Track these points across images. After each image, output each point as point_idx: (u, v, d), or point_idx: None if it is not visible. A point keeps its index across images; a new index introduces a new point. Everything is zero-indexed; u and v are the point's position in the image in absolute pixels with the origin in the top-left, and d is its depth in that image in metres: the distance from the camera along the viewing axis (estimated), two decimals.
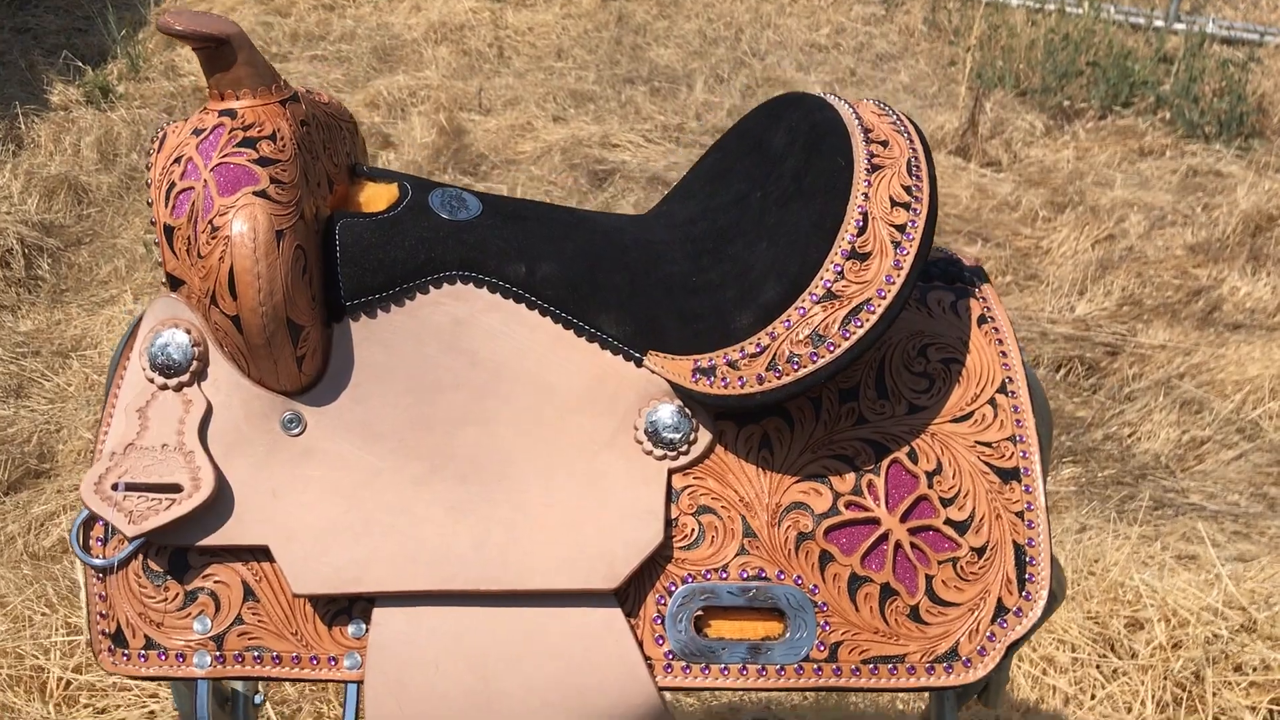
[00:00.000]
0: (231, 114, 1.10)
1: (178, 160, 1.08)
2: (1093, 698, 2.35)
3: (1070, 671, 2.36)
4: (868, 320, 1.04)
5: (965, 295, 1.22)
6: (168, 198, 1.07)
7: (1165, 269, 4.41)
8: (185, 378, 1.10)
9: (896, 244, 1.07)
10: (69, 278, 4.37)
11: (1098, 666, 2.36)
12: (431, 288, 1.14)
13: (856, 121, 1.17)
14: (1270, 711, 2.21)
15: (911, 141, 1.16)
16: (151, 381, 1.10)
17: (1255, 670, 2.26)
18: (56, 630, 2.38)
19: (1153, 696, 2.28)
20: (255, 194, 1.04)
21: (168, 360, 1.09)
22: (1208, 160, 5.74)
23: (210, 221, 1.04)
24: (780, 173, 1.19)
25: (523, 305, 1.15)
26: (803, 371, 1.04)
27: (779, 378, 1.04)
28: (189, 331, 1.10)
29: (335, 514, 1.08)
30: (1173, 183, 5.46)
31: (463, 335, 1.13)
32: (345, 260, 1.12)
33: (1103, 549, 2.62)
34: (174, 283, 1.09)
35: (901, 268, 1.06)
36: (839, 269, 1.05)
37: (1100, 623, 2.44)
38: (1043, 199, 5.13)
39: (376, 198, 1.20)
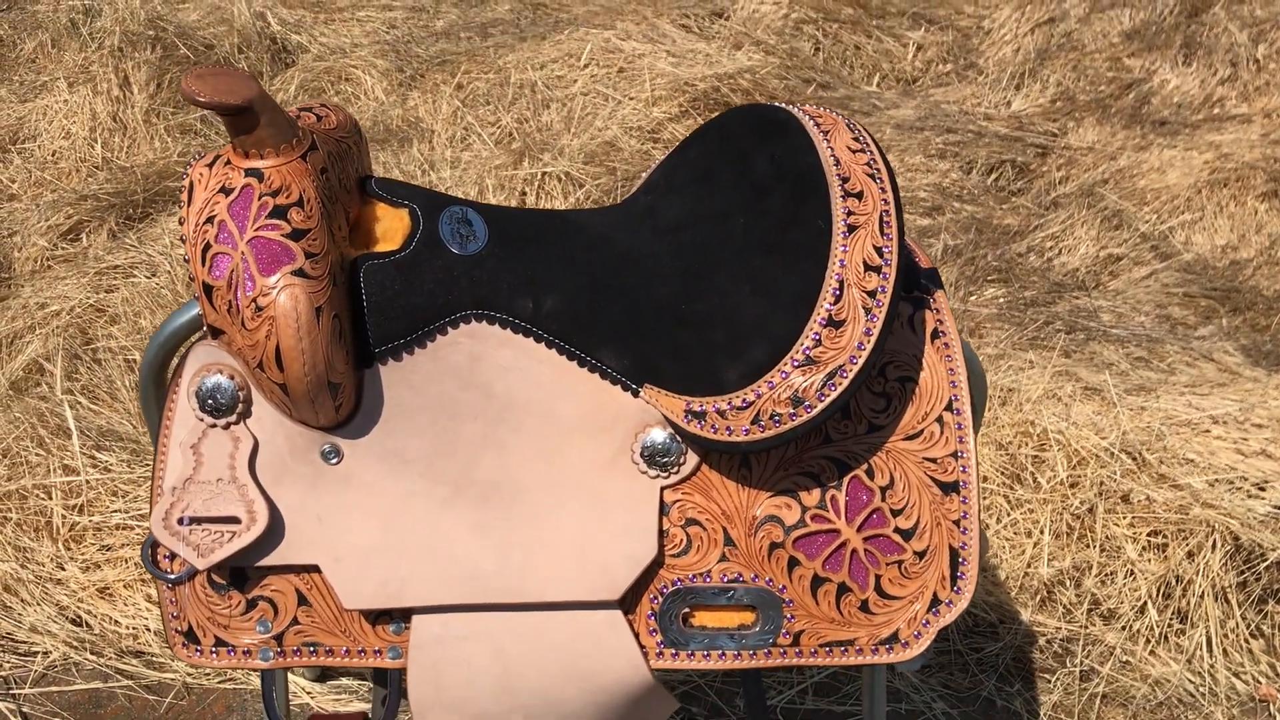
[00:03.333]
0: (258, 175, 1.18)
1: (210, 221, 1.17)
2: (998, 521, 2.67)
3: (982, 498, 2.67)
4: (840, 384, 1.20)
5: (921, 306, 1.37)
6: (204, 257, 1.17)
7: (1100, 59, 4.49)
8: (232, 418, 1.23)
9: (868, 310, 1.21)
10: None
11: (1005, 496, 2.67)
12: (450, 328, 1.26)
13: (834, 166, 1.27)
14: (1148, 542, 2.54)
15: (884, 188, 1.27)
16: (201, 420, 1.23)
17: (1139, 504, 2.57)
18: (54, 471, 2.55)
19: (1050, 525, 2.60)
20: (294, 273, 1.14)
21: (216, 403, 1.22)
22: None
23: (254, 300, 1.14)
24: (764, 209, 1.30)
25: (531, 339, 1.28)
26: (783, 428, 1.20)
27: (762, 431, 1.21)
28: (232, 378, 1.22)
29: (375, 535, 1.24)
30: None
31: (478, 371, 1.27)
32: (372, 309, 1.23)
33: (1019, 381, 2.88)
34: (214, 332, 1.20)
35: (871, 334, 1.20)
36: (817, 336, 1.20)
37: (1009, 454, 2.73)
38: None
39: (391, 231, 1.29)
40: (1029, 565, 2.58)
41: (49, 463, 2.56)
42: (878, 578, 1.31)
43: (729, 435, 1.22)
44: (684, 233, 1.37)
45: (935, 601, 1.32)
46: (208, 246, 1.17)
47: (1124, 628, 2.48)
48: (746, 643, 1.30)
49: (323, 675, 2.34)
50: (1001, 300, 3.29)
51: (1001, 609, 2.55)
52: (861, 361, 1.20)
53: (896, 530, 1.31)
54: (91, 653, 2.36)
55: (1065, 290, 3.38)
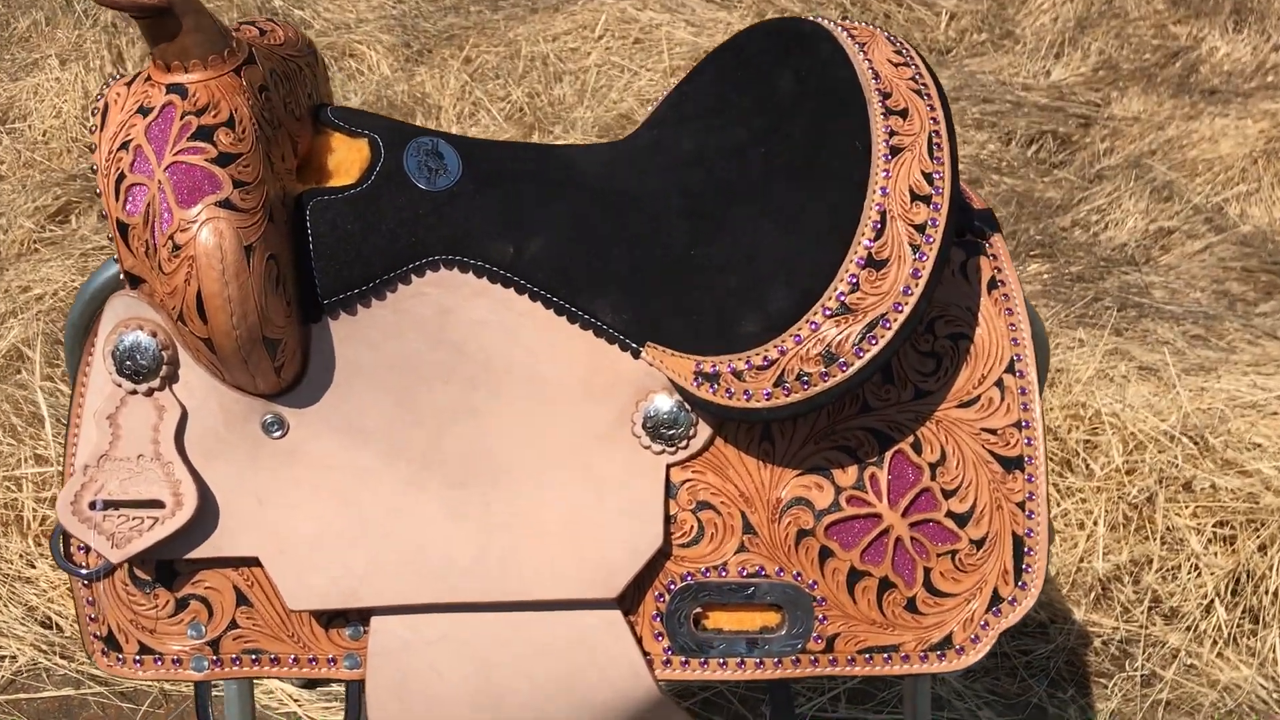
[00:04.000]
0: (181, 91, 0.98)
1: (125, 146, 0.97)
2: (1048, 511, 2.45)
3: None
4: (883, 337, 0.99)
5: (976, 253, 1.16)
6: (118, 190, 0.97)
7: (1145, 26, 4.25)
8: (156, 382, 1.03)
9: (915, 248, 1.00)
10: None
11: (1055, 484, 2.45)
12: (414, 276, 1.06)
13: (873, 80, 1.07)
14: (1214, 533, 2.32)
15: (932, 106, 1.06)
16: (120, 386, 1.03)
17: (1203, 493, 2.35)
18: (25, 462, 2.37)
19: (1105, 516, 2.38)
20: (218, 204, 0.94)
21: (135, 365, 1.02)
22: None
23: (171, 237, 0.94)
24: (787, 132, 1.10)
25: (511, 290, 1.08)
26: (813, 390, 1.00)
27: (787, 395, 1.00)
28: (154, 334, 1.02)
29: (326, 517, 1.05)
30: None
31: (449, 325, 1.07)
32: (320, 253, 1.03)
33: (1067, 361, 2.66)
34: (133, 280, 1.01)
35: (920, 276, 1.00)
36: (854, 279, 0.99)
37: (1059, 439, 2.51)
38: None
39: (347, 162, 1.09)
40: (1082, 559, 2.37)
41: (20, 452, 2.38)
42: (927, 571, 1.10)
43: (747, 401, 1.01)
44: (694, 168, 1.16)
45: (996, 599, 1.11)
46: (121, 177, 0.97)
47: (1189, 628, 2.27)
48: (770, 649, 1.10)
49: (311, 681, 2.15)
50: (1046, 276, 3.07)
51: (1052, 608, 2.33)
52: (908, 310, 0.99)
53: (949, 514, 1.10)
54: (61, 657, 2.18)
55: (1114, 265, 3.15)
